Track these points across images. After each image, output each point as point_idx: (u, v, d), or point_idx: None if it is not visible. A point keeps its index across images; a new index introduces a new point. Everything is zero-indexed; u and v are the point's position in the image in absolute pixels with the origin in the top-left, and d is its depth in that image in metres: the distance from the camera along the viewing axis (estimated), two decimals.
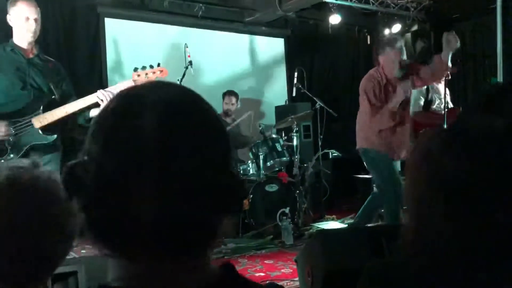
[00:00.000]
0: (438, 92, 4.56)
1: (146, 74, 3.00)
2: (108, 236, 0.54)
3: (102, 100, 2.82)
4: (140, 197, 0.51)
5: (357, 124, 3.74)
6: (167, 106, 0.54)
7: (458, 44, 3.45)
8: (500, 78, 4.94)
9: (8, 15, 2.86)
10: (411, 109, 4.56)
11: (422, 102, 4.51)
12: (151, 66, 3.03)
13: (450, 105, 4.58)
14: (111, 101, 0.57)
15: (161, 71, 3.06)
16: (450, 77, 4.59)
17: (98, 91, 2.86)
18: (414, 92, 4.52)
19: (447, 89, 4.44)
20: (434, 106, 4.56)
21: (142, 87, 0.58)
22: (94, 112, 2.90)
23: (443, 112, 4.19)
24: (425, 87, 4.46)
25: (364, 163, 3.74)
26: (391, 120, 3.53)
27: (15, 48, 2.86)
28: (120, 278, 0.56)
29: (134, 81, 2.99)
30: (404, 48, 3.64)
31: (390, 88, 3.56)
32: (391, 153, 3.59)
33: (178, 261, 0.55)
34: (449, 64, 3.49)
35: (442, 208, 0.81)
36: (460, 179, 0.79)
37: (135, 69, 3.02)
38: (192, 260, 0.57)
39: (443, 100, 4.38)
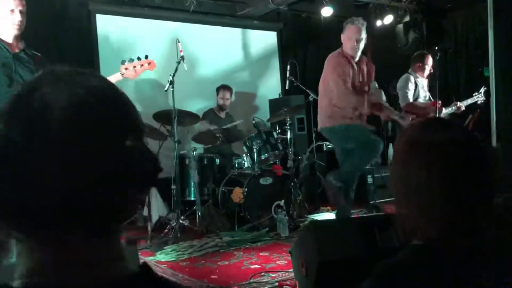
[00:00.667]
0: (423, 87, 4.84)
1: (134, 66, 2.98)
2: (14, 214, 0.54)
3: None
4: (44, 173, 0.52)
5: (321, 105, 3.88)
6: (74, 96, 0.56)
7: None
8: (492, 67, 4.98)
9: None
10: (402, 101, 4.72)
11: (410, 95, 4.74)
12: (139, 58, 3.00)
13: (430, 98, 4.90)
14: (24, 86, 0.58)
15: (149, 63, 3.03)
16: (432, 71, 4.78)
17: None
18: (401, 85, 4.73)
19: (427, 81, 4.89)
20: (421, 100, 4.82)
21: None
22: None
23: (427, 103, 4.78)
24: (413, 84, 4.77)
25: (332, 141, 3.88)
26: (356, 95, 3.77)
27: (0, 43, 2.78)
28: (23, 275, 0.56)
29: (122, 74, 2.96)
30: (364, 28, 3.77)
31: (351, 65, 3.76)
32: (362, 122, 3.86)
33: (86, 242, 0.56)
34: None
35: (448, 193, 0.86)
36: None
37: (123, 62, 2.99)
38: (101, 239, 0.58)
39: (428, 94, 4.84)
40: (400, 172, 0.95)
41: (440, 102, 4.62)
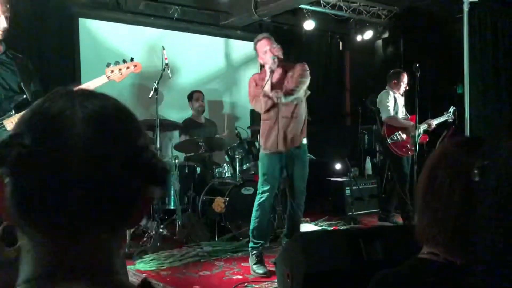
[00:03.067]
0: (401, 103, 5.01)
1: (120, 69, 2.94)
2: (32, 209, 0.56)
3: None
4: (65, 176, 0.56)
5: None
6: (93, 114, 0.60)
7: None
8: (466, 85, 5.16)
9: None
10: (383, 114, 4.84)
11: (391, 108, 4.89)
12: (124, 61, 2.96)
13: (407, 114, 5.07)
14: (49, 99, 0.61)
15: (135, 65, 2.99)
16: (407, 88, 4.97)
17: None
18: (380, 100, 4.95)
19: (403, 98, 5.05)
20: (400, 115, 4.97)
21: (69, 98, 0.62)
22: None
23: (405, 118, 4.97)
24: (392, 99, 4.89)
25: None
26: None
27: None
28: (26, 279, 0.57)
29: (108, 77, 2.92)
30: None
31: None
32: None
33: (97, 237, 0.59)
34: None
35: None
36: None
37: (108, 65, 2.94)
38: (112, 237, 0.61)
39: (404, 109, 5.03)
40: (426, 182, 0.99)
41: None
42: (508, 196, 0.88)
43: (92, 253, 0.58)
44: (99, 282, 0.58)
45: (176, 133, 5.45)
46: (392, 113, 4.87)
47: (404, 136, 4.81)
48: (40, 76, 3.09)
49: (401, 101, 5.02)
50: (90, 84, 2.90)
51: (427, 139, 4.90)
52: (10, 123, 2.72)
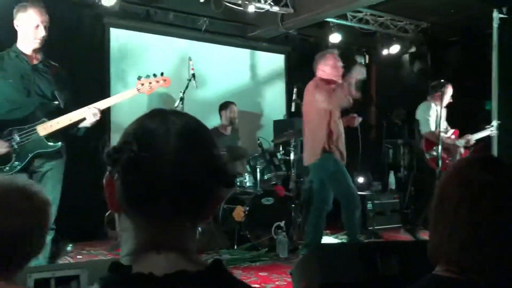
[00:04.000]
0: (443, 116, 4.78)
1: (150, 83, 3.05)
2: (137, 197, 0.72)
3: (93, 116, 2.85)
4: (162, 173, 0.71)
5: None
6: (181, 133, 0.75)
7: (362, 76, 3.82)
8: (494, 101, 5.08)
9: (15, 20, 2.85)
10: (423, 128, 4.73)
11: (431, 122, 4.74)
12: (155, 75, 3.08)
13: (448, 128, 4.91)
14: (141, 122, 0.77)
15: (164, 80, 3.11)
16: (451, 101, 4.85)
17: (90, 106, 2.87)
18: (421, 113, 4.83)
19: (445, 111, 4.78)
20: (441, 129, 4.75)
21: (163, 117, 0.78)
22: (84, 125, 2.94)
23: (446, 133, 4.80)
24: (434, 113, 4.73)
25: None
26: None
27: (20, 55, 2.85)
28: (129, 252, 0.73)
29: (138, 89, 3.04)
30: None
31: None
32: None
33: (181, 224, 0.75)
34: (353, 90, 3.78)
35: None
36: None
37: (139, 78, 3.07)
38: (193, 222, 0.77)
39: (446, 123, 4.84)
40: (437, 199, 1.00)
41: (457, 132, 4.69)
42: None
43: (177, 236, 0.74)
44: (181, 256, 0.73)
45: None
46: (433, 128, 4.68)
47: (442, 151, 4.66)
48: (74, 87, 3.21)
49: (443, 114, 4.76)
50: (120, 96, 3.02)
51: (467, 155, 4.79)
52: (43, 129, 2.82)
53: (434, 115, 4.75)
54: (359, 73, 3.75)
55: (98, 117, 2.88)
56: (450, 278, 0.95)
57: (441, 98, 4.77)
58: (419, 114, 4.89)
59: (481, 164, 1.00)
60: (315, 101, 3.79)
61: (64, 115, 2.86)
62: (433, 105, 4.79)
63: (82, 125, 2.93)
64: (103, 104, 2.94)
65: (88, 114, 2.85)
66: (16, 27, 2.87)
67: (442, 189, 1.01)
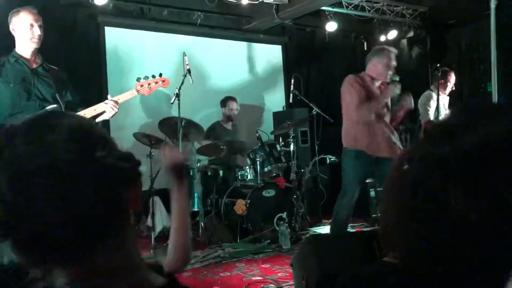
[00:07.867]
0: (444, 105, 4.78)
1: (149, 84, 3.08)
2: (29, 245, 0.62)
3: (112, 109, 2.88)
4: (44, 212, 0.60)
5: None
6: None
7: (395, 94, 3.69)
8: (494, 83, 5.03)
9: (11, 25, 2.87)
10: (422, 118, 4.75)
11: (431, 112, 4.74)
12: (153, 76, 3.10)
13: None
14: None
15: (163, 81, 3.14)
16: (454, 88, 4.81)
17: (107, 101, 2.90)
18: (422, 102, 4.83)
19: (448, 98, 4.81)
20: (442, 117, 4.75)
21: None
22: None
23: None
24: (434, 102, 4.69)
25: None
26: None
27: (19, 59, 2.87)
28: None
29: (137, 91, 3.07)
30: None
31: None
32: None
33: (101, 255, 0.64)
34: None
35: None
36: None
37: (138, 79, 3.09)
38: (115, 250, 0.66)
39: (448, 111, 4.61)
40: (389, 187, 0.98)
41: None
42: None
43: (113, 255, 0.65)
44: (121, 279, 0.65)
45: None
46: (431, 116, 4.71)
47: None
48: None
49: (445, 101, 4.82)
50: (120, 97, 3.03)
51: None
52: None
53: (434, 105, 4.74)
54: (391, 92, 3.66)
55: (116, 109, 2.91)
56: (391, 263, 0.93)
57: (444, 86, 4.77)
58: (419, 104, 4.90)
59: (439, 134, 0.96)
60: (346, 101, 3.72)
61: (88, 108, 2.89)
62: (433, 94, 4.78)
63: (101, 118, 2.94)
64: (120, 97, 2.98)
65: (108, 108, 2.88)
66: (12, 32, 2.89)
67: (391, 173, 0.97)
